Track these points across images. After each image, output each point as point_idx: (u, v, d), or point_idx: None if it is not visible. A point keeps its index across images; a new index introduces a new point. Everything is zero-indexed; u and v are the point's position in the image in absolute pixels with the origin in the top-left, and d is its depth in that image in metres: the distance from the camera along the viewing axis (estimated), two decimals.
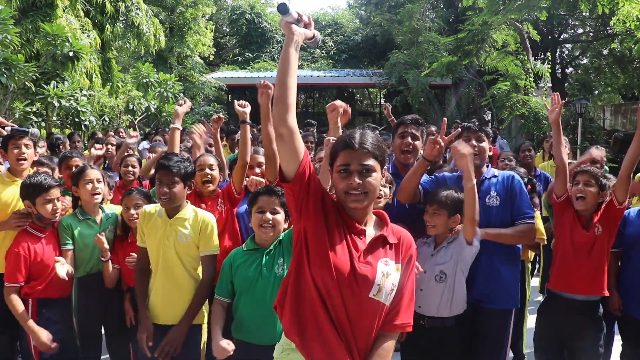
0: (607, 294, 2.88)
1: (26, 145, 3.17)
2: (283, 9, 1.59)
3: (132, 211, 2.99)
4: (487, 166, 2.85)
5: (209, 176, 3.10)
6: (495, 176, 2.81)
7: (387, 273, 1.67)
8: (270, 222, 2.39)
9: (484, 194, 2.74)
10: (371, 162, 1.67)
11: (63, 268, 2.67)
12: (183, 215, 2.63)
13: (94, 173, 2.98)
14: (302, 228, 1.69)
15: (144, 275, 2.69)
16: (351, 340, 1.66)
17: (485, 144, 2.80)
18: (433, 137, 2.62)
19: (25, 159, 3.16)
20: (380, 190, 2.78)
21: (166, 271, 2.59)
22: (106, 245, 2.92)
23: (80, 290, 2.95)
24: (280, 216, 2.42)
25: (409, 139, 2.87)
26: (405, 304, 1.75)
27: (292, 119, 1.57)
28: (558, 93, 3.05)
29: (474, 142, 2.76)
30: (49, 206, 2.81)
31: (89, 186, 2.93)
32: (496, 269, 2.72)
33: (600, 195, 2.87)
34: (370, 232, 1.74)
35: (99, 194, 2.97)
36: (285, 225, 2.49)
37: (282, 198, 2.42)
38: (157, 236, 2.60)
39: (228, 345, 2.29)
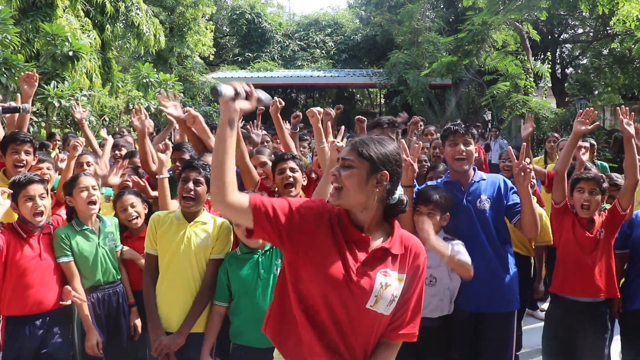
0: (611, 295, 2.88)
1: (26, 152, 3.01)
2: (215, 93, 1.58)
3: (130, 210, 2.94)
4: (474, 169, 2.83)
5: None
6: (483, 179, 2.80)
7: (386, 284, 1.61)
8: None
9: (474, 197, 2.72)
10: (353, 158, 1.62)
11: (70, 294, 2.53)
12: (202, 219, 2.56)
13: (89, 180, 2.74)
14: (287, 258, 1.68)
15: (154, 285, 2.56)
16: (344, 351, 1.64)
17: (472, 147, 2.75)
18: (403, 163, 2.57)
19: (23, 165, 3.00)
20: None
21: (178, 275, 2.49)
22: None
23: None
24: None
25: None
26: (412, 314, 1.71)
27: (231, 197, 1.56)
28: (593, 111, 3.00)
29: (461, 147, 2.70)
30: (29, 204, 2.53)
31: (84, 194, 2.68)
32: (492, 273, 2.70)
33: (602, 199, 2.90)
34: (377, 239, 1.68)
35: (95, 202, 2.73)
36: None
37: None
38: (174, 239, 2.51)
39: None
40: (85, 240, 2.72)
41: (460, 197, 2.71)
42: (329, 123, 2.65)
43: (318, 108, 2.61)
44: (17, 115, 3.46)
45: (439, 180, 2.88)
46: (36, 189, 2.56)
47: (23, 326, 2.52)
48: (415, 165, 2.56)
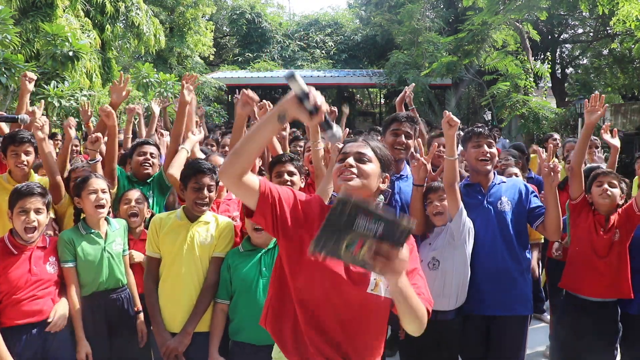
0: (623, 296, 2.88)
1: (26, 152, 2.98)
2: (289, 76, 1.42)
3: (133, 204, 2.94)
4: (494, 173, 2.84)
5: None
6: (503, 182, 2.81)
7: None
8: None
9: (495, 199, 2.73)
10: (369, 152, 1.70)
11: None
12: (205, 219, 2.56)
13: (99, 182, 2.70)
14: (283, 249, 1.69)
15: (156, 288, 2.56)
16: (346, 346, 1.65)
17: (495, 149, 2.78)
18: (416, 162, 2.58)
19: (26, 165, 2.98)
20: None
21: (182, 276, 2.48)
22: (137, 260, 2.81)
23: (85, 310, 2.63)
24: None
25: (402, 138, 2.81)
26: (418, 289, 1.69)
27: (244, 177, 1.55)
28: (601, 95, 2.92)
29: (485, 148, 2.71)
30: (22, 218, 2.45)
31: (93, 197, 2.66)
32: (508, 277, 2.69)
33: (621, 197, 2.92)
34: None
35: (103, 206, 2.69)
36: None
37: None
38: (178, 240, 2.51)
39: None
40: (90, 245, 2.67)
41: (480, 199, 2.72)
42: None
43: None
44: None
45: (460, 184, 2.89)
46: (33, 202, 2.47)
47: (19, 336, 2.44)
48: (429, 166, 2.57)
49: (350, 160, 1.66)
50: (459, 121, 2.45)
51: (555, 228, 2.62)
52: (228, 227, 2.59)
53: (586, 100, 2.94)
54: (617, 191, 2.89)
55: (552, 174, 2.57)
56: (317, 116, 1.43)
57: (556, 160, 2.64)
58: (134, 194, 3.00)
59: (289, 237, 1.64)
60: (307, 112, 1.42)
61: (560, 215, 2.63)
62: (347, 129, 2.84)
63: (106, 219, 2.80)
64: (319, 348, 1.64)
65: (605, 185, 2.88)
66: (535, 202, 2.76)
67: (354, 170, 1.65)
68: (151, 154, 3.44)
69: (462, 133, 6.90)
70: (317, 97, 1.42)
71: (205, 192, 2.53)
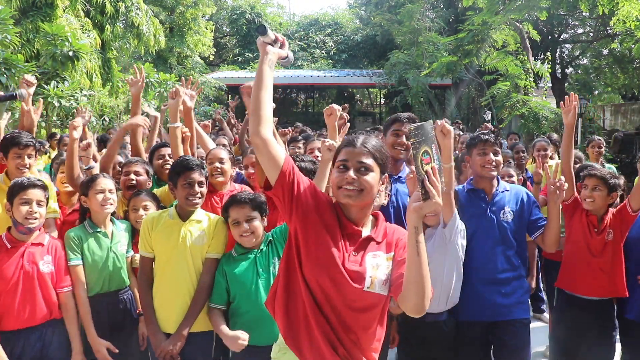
0: (619, 295, 2.88)
1: (29, 155, 2.93)
2: (262, 31, 1.72)
3: (142, 212, 2.90)
4: (498, 179, 2.83)
5: (219, 169, 3.01)
6: (507, 190, 2.81)
7: (377, 265, 1.68)
8: (248, 230, 2.40)
9: (498, 208, 2.73)
10: (370, 161, 1.69)
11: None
12: (197, 218, 2.56)
13: (106, 182, 2.71)
14: (292, 229, 1.72)
15: (150, 287, 2.54)
16: (343, 336, 1.67)
17: (500, 157, 2.77)
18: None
19: (28, 168, 2.93)
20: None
21: (175, 275, 2.47)
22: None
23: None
24: (257, 222, 2.42)
25: (403, 138, 2.81)
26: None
27: (266, 131, 1.63)
28: (572, 93, 2.97)
29: (491, 156, 2.70)
30: (25, 208, 2.43)
31: (100, 196, 2.66)
32: (508, 283, 2.70)
33: (610, 197, 2.89)
34: (367, 233, 1.75)
35: (111, 205, 2.70)
36: (265, 223, 2.49)
37: (252, 202, 2.42)
38: (170, 239, 2.50)
39: (242, 334, 2.27)
40: (97, 244, 2.67)
41: (484, 207, 2.73)
42: (336, 123, 2.64)
43: (337, 106, 2.57)
44: (24, 115, 3.47)
45: (461, 186, 2.89)
46: (35, 193, 2.48)
47: (15, 341, 2.39)
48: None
49: (351, 173, 1.66)
50: (452, 129, 2.42)
51: (553, 242, 2.68)
52: (221, 225, 2.58)
53: (562, 102, 2.97)
54: (601, 194, 2.86)
55: (557, 192, 2.60)
56: (284, 48, 1.81)
57: (562, 178, 2.66)
58: (142, 200, 2.96)
59: (298, 216, 1.67)
60: (278, 48, 1.80)
61: (559, 230, 2.65)
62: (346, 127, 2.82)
63: (111, 220, 2.79)
64: (314, 332, 1.66)
65: (588, 191, 2.89)
66: (537, 213, 2.78)
67: (356, 184, 1.66)
68: (169, 155, 3.44)
69: (461, 133, 6.83)
70: (279, 36, 1.79)
71: (197, 187, 2.53)
